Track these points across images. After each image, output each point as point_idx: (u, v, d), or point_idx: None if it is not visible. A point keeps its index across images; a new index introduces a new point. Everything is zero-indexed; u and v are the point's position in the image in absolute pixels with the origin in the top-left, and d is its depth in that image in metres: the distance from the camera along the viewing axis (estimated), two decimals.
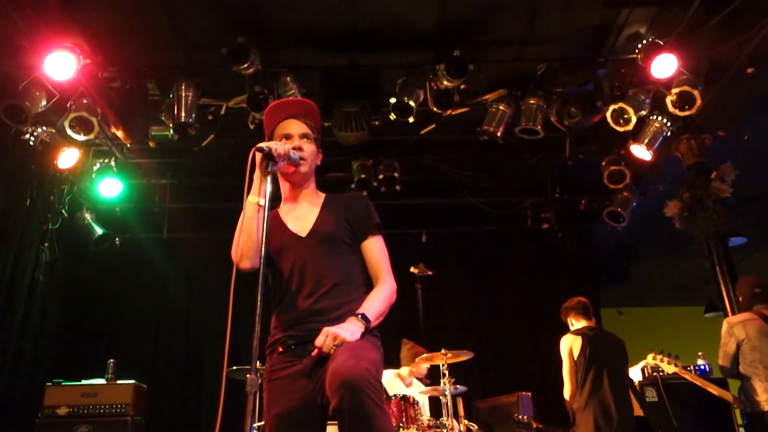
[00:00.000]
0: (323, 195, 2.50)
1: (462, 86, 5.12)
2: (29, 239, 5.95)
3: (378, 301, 2.27)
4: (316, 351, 2.09)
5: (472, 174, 6.55)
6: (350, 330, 2.11)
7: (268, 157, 2.18)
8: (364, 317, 2.17)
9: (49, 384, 4.84)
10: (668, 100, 4.96)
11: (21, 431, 4.94)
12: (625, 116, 5.15)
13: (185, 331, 6.86)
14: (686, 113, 4.97)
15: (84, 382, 4.91)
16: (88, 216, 6.28)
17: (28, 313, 5.89)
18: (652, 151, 5.48)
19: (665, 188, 6.25)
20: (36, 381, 5.29)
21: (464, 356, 4.83)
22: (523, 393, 5.61)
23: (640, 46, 4.96)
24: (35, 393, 4.98)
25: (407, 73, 5.22)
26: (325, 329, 2.09)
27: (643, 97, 5.21)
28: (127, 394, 4.85)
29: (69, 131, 5.13)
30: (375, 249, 2.39)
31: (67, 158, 5.68)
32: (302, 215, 2.40)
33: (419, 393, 5.06)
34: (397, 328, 6.40)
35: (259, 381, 2.42)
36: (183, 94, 5.12)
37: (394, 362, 5.40)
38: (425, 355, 4.85)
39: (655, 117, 5.35)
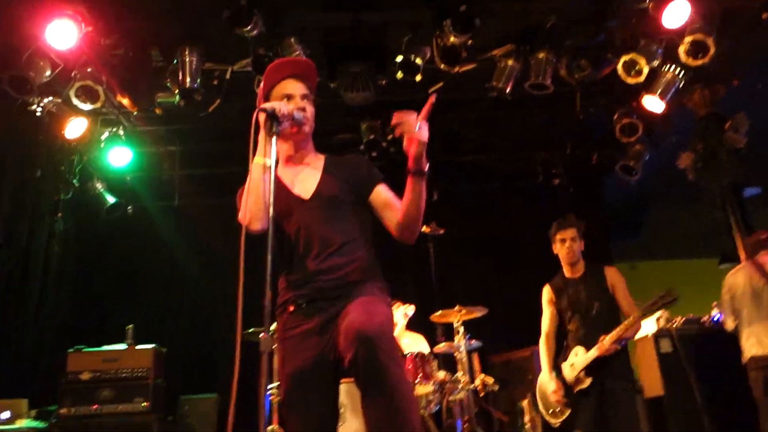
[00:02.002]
0: (323, 156, 2.48)
1: (469, 42, 5.01)
2: (42, 210, 6.02)
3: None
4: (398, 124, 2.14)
5: (481, 131, 6.48)
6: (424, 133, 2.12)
7: (273, 117, 2.16)
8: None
9: (71, 351, 4.95)
10: (681, 49, 4.83)
11: (46, 397, 5.07)
12: (637, 67, 5.03)
13: (198, 295, 6.95)
14: (699, 62, 4.85)
15: (105, 347, 5.01)
16: (99, 185, 6.31)
17: (45, 282, 6.01)
18: (665, 103, 5.38)
19: (678, 140, 6.17)
20: (58, 348, 5.41)
21: (478, 312, 4.87)
22: (537, 347, 5.66)
23: None
24: (58, 360, 5.09)
25: (413, 31, 5.12)
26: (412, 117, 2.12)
27: (655, 47, 5.08)
28: (148, 358, 4.97)
29: (75, 101, 5.11)
30: (386, 191, 2.38)
31: (75, 128, 5.68)
32: (304, 178, 2.39)
33: (426, 348, 5.10)
34: (411, 287, 6.47)
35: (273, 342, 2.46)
36: (187, 60, 5.06)
37: (415, 325, 5.43)
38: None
39: (667, 67, 5.23)
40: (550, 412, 4.25)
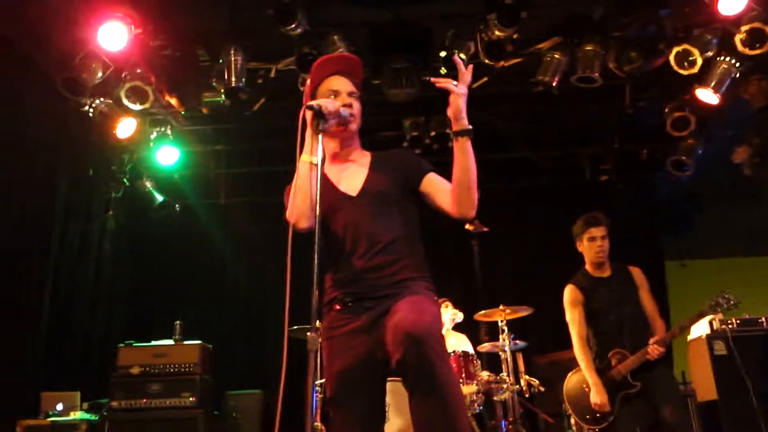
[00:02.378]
0: (369, 153, 2.47)
1: (514, 35, 4.93)
2: (95, 208, 6.20)
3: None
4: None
5: (527, 127, 6.37)
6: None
7: (319, 115, 2.15)
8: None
9: (122, 345, 5.08)
10: (737, 38, 4.65)
11: (98, 390, 5.21)
12: (690, 58, 4.85)
13: (245, 293, 7.06)
14: (757, 52, 4.64)
15: (154, 343, 5.12)
16: (148, 184, 6.46)
17: (97, 279, 6.19)
18: (719, 95, 5.17)
19: (733, 133, 5.94)
20: (109, 343, 5.56)
21: (523, 312, 4.80)
22: None
23: None
24: (109, 354, 5.23)
25: (457, 25, 5.06)
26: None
27: (709, 37, 4.89)
28: (195, 353, 5.05)
29: (125, 101, 5.24)
30: (436, 177, 2.35)
31: (125, 128, 5.82)
32: (351, 175, 2.38)
33: (470, 347, 5.05)
34: (455, 286, 6.41)
35: (319, 339, 2.46)
36: (232, 59, 5.13)
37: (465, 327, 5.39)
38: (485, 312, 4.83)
39: (722, 58, 5.02)
40: (587, 418, 4.00)
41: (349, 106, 2.33)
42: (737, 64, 5.03)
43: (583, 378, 3.99)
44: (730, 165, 5.68)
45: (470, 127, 2.19)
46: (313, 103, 2.18)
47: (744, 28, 4.59)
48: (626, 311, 3.95)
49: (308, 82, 2.44)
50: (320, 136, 2.14)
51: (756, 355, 4.80)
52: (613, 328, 3.97)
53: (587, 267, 4.17)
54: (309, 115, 2.17)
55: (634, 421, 3.79)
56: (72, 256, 5.84)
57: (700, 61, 4.85)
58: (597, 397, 3.88)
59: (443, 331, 4.84)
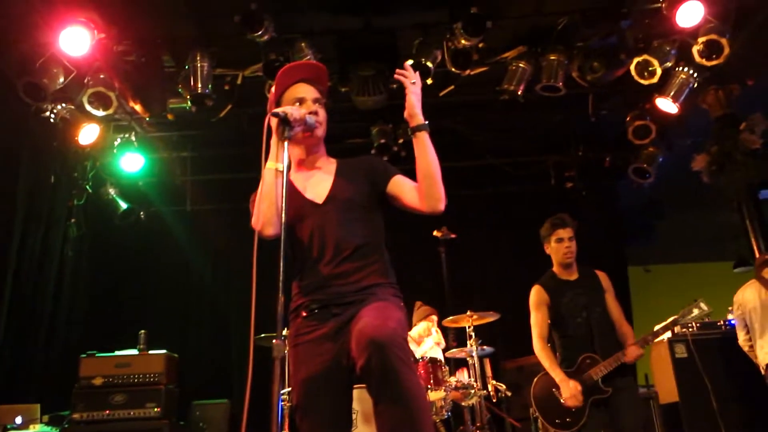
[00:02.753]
0: (335, 160, 2.47)
1: (480, 45, 5.01)
2: (56, 216, 6.07)
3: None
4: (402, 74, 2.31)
5: (493, 134, 6.45)
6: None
7: (284, 122, 2.14)
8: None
9: (84, 356, 4.97)
10: (695, 49, 4.79)
11: (59, 402, 5.08)
12: (650, 69, 4.99)
13: (211, 301, 6.98)
14: (713, 63, 4.80)
15: (117, 353, 5.03)
16: (111, 191, 6.35)
17: (59, 288, 6.05)
18: (678, 104, 5.33)
19: (692, 142, 6.11)
20: (70, 353, 5.43)
21: (490, 317, 4.83)
22: None
23: None
24: (71, 365, 5.11)
25: (424, 34, 5.11)
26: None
27: (668, 48, 5.03)
28: (160, 363, 4.96)
29: (88, 107, 5.15)
30: (403, 179, 2.38)
31: (88, 134, 5.72)
32: (317, 182, 2.38)
33: (441, 353, 5.09)
34: (421, 292, 6.43)
35: (285, 347, 2.45)
36: (198, 65, 5.08)
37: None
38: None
39: (680, 68, 5.19)
40: (556, 422, 3.92)
41: (315, 113, 2.33)
42: (695, 75, 5.19)
43: (551, 380, 3.95)
44: (690, 173, 5.82)
45: (426, 122, 2.29)
46: (279, 110, 2.17)
47: (701, 39, 4.74)
48: (595, 315, 3.93)
49: (273, 89, 2.44)
50: (286, 143, 2.14)
51: (715, 358, 4.93)
52: (582, 331, 3.94)
53: (554, 269, 4.17)
54: (274, 122, 2.17)
55: (602, 427, 3.76)
56: (32, 265, 5.70)
57: (659, 72, 4.98)
58: (567, 391, 3.80)
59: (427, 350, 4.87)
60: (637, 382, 4.08)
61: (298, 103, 2.33)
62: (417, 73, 2.35)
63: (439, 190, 2.25)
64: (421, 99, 2.31)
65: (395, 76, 2.34)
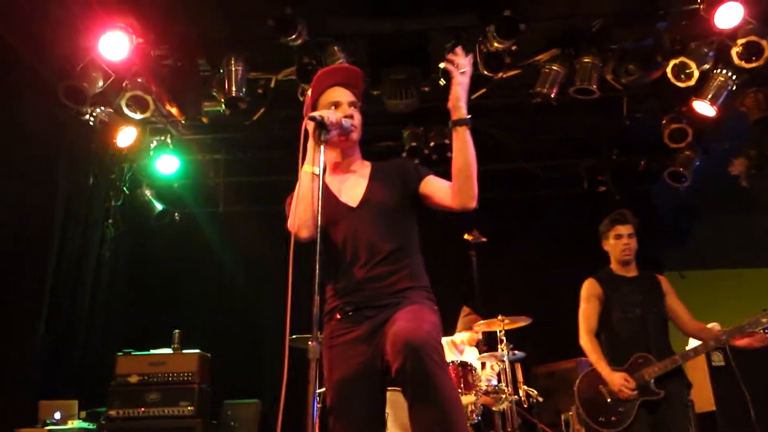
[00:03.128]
0: (369, 163, 2.49)
1: (513, 47, 4.97)
2: (94, 217, 6.21)
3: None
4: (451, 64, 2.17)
5: (525, 138, 6.41)
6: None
7: (321, 126, 2.17)
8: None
9: (120, 354, 5.07)
10: (733, 51, 4.69)
11: (96, 399, 5.19)
12: (687, 71, 4.90)
13: (243, 302, 7.05)
14: (753, 65, 4.69)
15: (152, 351, 5.12)
16: (147, 192, 6.47)
17: (96, 287, 6.18)
18: (716, 107, 5.22)
19: (730, 145, 5.98)
20: (107, 351, 5.54)
21: (521, 322, 4.80)
22: (583, 358, 5.54)
23: None
24: (107, 363, 5.22)
25: (456, 37, 5.09)
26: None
27: (706, 50, 4.94)
28: (193, 362, 5.04)
29: (126, 110, 5.26)
30: (435, 178, 2.36)
31: (126, 137, 5.85)
32: (352, 185, 2.40)
33: (475, 359, 5.06)
34: (453, 296, 6.41)
35: (320, 349, 2.46)
36: (233, 69, 5.16)
37: (448, 330, 5.41)
38: (482, 321, 4.84)
39: (719, 70, 5.08)
40: (601, 420, 3.75)
41: (350, 116, 2.35)
42: (734, 77, 5.08)
43: (597, 376, 3.80)
44: (727, 177, 5.70)
45: (468, 116, 2.19)
46: (315, 114, 2.20)
47: (740, 41, 4.64)
48: (651, 315, 3.80)
49: (309, 93, 2.46)
50: (322, 147, 2.16)
51: (753, 366, 4.80)
52: (635, 329, 3.80)
53: (612, 266, 4.05)
54: (311, 126, 2.19)
55: (648, 429, 3.63)
56: (71, 265, 5.84)
57: (696, 74, 4.89)
58: (616, 383, 3.65)
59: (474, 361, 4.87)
60: (689, 388, 3.90)
61: (333, 107, 2.35)
62: (469, 59, 2.21)
63: (473, 188, 2.21)
64: (467, 91, 2.20)
65: (444, 64, 2.21)
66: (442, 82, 5.13)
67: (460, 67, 2.17)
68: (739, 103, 5.58)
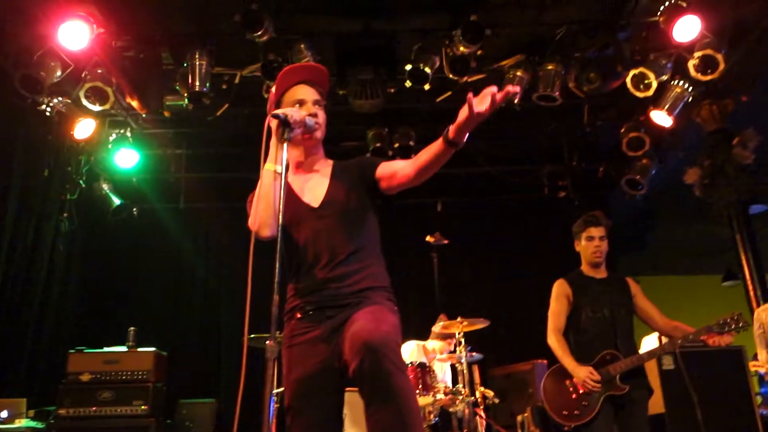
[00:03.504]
0: (331, 162, 2.48)
1: (478, 52, 5.04)
2: (48, 210, 6.03)
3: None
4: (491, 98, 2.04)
5: (488, 142, 6.48)
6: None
7: (284, 123, 2.15)
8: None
9: (72, 351, 4.94)
10: (690, 64, 4.85)
11: (46, 397, 5.06)
12: (646, 81, 5.03)
13: (203, 300, 6.95)
14: (709, 77, 4.85)
15: (105, 349, 5.01)
16: (105, 186, 6.33)
17: (49, 282, 6.01)
18: (673, 117, 5.38)
19: (685, 155, 6.16)
20: (59, 349, 5.40)
21: (480, 324, 4.84)
22: (538, 361, 5.64)
23: (662, 8, 4.82)
24: (58, 360, 5.09)
25: (423, 39, 5.13)
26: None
27: (664, 62, 5.08)
28: (148, 361, 4.95)
29: (84, 101, 5.13)
30: (392, 161, 2.36)
31: (84, 129, 5.71)
32: (314, 185, 2.39)
33: (440, 361, 5.10)
34: (413, 297, 6.45)
35: (278, 348, 2.45)
36: (197, 63, 5.08)
37: (417, 334, 5.42)
38: (444, 323, 4.87)
39: (676, 82, 5.24)
40: (564, 414, 3.78)
41: (315, 115, 2.34)
42: (690, 89, 5.25)
43: (563, 371, 3.84)
44: (682, 186, 5.86)
45: (461, 145, 2.15)
46: (279, 111, 2.18)
47: (697, 54, 4.79)
48: (619, 316, 3.85)
49: (273, 90, 2.44)
50: (285, 145, 2.15)
51: (702, 370, 4.95)
52: (603, 328, 3.84)
53: (582, 267, 4.09)
54: (274, 123, 2.18)
55: (612, 423, 3.68)
56: (23, 258, 5.67)
57: (655, 84, 5.03)
58: (581, 375, 3.71)
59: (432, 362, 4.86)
60: (651, 394, 4.00)
61: (298, 105, 2.34)
62: (491, 102, 2.05)
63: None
64: (476, 125, 2.10)
65: (497, 94, 2.05)
66: (408, 83, 5.16)
67: (496, 104, 2.07)
68: (694, 114, 5.76)
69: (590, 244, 4.02)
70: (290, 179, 2.39)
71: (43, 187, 5.98)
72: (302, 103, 2.35)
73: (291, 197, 2.32)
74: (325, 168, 2.44)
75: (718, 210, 5.65)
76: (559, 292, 4.04)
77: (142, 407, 4.79)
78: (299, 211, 2.32)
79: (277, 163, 2.17)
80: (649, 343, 5.18)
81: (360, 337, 1.97)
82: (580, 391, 3.76)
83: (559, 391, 3.87)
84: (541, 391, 3.98)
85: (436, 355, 5.28)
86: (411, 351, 5.28)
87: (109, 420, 4.75)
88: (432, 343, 5.32)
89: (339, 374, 2.14)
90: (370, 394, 1.95)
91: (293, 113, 2.19)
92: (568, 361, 3.82)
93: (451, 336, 4.99)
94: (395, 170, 2.30)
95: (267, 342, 1.86)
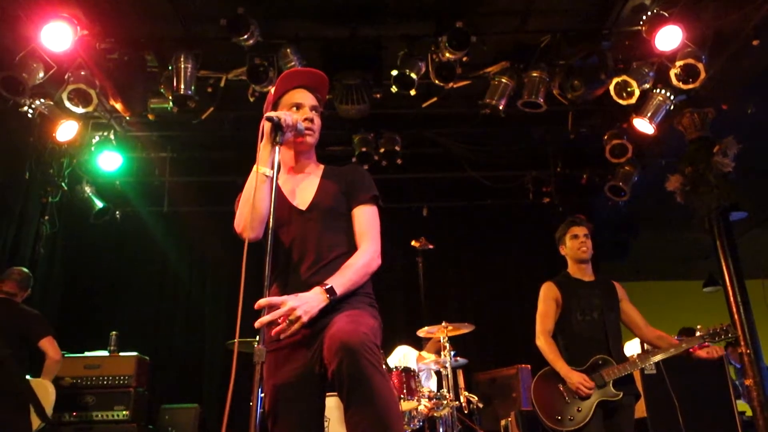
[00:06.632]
0: (323, 166, 2.48)
1: (464, 58, 5.07)
2: (29, 212, 5.95)
3: (351, 270, 2.20)
4: (276, 329, 2.02)
5: (473, 148, 6.52)
6: (310, 305, 2.05)
7: (277, 127, 2.15)
8: (330, 290, 2.10)
9: None
10: (672, 73, 4.92)
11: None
12: (629, 89, 5.10)
13: (186, 304, 6.90)
14: (690, 86, 4.94)
15: (87, 353, 4.95)
16: (87, 189, 6.27)
17: None
18: (655, 125, 5.46)
19: (667, 162, 6.24)
20: (39, 352, 5.32)
21: (464, 329, 4.86)
22: (523, 366, 5.67)
23: (644, 17, 4.90)
24: (38, 364, 5.01)
25: (409, 45, 5.15)
26: (288, 302, 2.02)
27: (646, 70, 5.16)
28: (130, 365, 4.91)
29: (67, 103, 5.08)
30: (364, 216, 2.34)
31: (66, 131, 5.65)
32: (302, 188, 2.39)
33: (430, 367, 5.09)
34: (399, 302, 6.46)
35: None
36: (182, 66, 5.06)
37: (402, 338, 5.42)
38: (426, 328, 4.88)
39: (658, 90, 5.32)
40: (557, 419, 3.73)
41: (310, 120, 2.35)
42: (672, 97, 5.33)
43: (554, 375, 3.81)
44: (664, 192, 5.93)
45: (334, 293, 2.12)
46: (273, 114, 2.18)
47: (679, 63, 4.87)
48: (609, 319, 3.84)
49: (272, 91, 2.44)
50: (277, 148, 2.15)
51: (684, 375, 5.00)
52: (595, 331, 3.83)
53: (570, 269, 4.08)
54: (267, 126, 2.18)
55: (602, 429, 3.66)
56: (2, 261, 5.58)
57: (637, 92, 5.10)
58: (574, 379, 3.68)
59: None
60: (637, 399, 4.01)
61: (295, 108, 2.34)
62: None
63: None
64: (310, 308, 2.05)
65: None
66: (394, 89, 5.18)
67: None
68: (676, 122, 5.83)
69: (576, 242, 4.02)
70: (281, 182, 2.39)
71: (24, 190, 5.90)
72: (299, 107, 2.36)
73: (281, 199, 2.31)
74: (315, 171, 2.45)
75: (698, 216, 5.72)
76: (547, 294, 4.01)
77: (124, 412, 4.76)
78: (287, 214, 2.32)
79: (267, 165, 2.17)
80: (632, 348, 5.22)
81: (338, 338, 1.96)
82: (575, 397, 3.73)
83: (551, 396, 3.82)
84: (531, 395, 3.93)
85: (431, 367, 5.27)
86: (404, 355, 5.29)
87: (90, 425, 4.71)
88: (428, 356, 5.32)
89: (320, 378, 2.13)
90: (349, 395, 1.93)
91: (286, 117, 2.19)
92: (560, 365, 3.79)
93: (438, 351, 5.01)
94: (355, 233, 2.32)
95: (255, 345, 1.86)
